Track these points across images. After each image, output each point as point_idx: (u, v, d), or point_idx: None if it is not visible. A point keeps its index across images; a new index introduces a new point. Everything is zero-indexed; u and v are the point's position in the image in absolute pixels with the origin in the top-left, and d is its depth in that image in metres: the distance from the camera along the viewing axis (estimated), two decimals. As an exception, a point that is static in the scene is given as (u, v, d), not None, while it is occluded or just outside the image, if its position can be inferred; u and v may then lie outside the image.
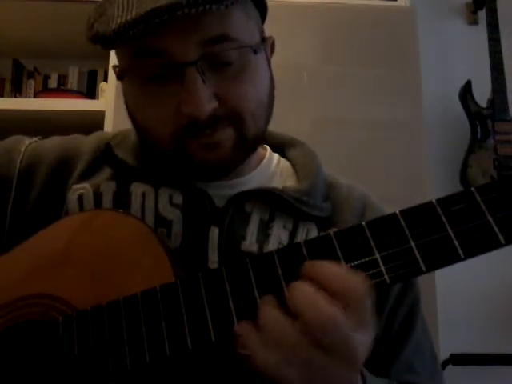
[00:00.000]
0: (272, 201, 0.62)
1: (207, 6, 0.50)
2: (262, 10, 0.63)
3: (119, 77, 0.58)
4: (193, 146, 0.57)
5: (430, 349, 0.69)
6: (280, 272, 0.43)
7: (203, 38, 0.53)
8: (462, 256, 0.41)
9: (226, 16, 0.54)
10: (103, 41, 0.53)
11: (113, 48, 0.56)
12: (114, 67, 0.61)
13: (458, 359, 1.83)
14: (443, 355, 1.80)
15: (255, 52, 0.57)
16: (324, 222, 0.64)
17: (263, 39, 0.62)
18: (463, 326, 1.92)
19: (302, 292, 0.41)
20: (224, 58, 0.55)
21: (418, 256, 0.41)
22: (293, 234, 0.62)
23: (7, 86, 1.90)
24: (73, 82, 1.90)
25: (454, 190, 1.86)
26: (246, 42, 0.56)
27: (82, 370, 0.45)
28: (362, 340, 0.41)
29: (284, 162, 0.71)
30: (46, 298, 0.50)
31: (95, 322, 0.46)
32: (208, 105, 0.54)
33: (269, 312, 0.41)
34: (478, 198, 0.42)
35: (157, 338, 0.43)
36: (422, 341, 0.68)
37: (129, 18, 0.50)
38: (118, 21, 0.51)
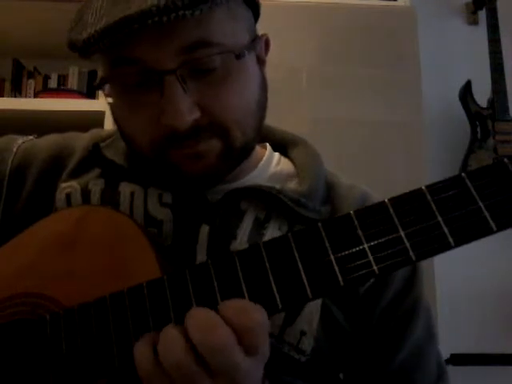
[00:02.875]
0: (269, 201, 0.60)
1: (180, 13, 0.46)
2: (255, 7, 0.59)
3: (98, 86, 0.55)
4: (176, 156, 0.54)
5: (436, 355, 0.66)
6: (268, 265, 0.42)
7: (181, 44, 0.50)
8: (453, 244, 0.39)
9: (205, 20, 0.50)
10: (77, 50, 0.51)
11: (88, 57, 0.52)
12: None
13: (458, 359, 1.83)
14: (443, 355, 1.80)
15: (238, 57, 0.53)
16: None
17: (254, 39, 0.58)
18: (463, 325, 1.92)
19: (197, 315, 0.40)
20: (205, 64, 0.52)
21: (407, 245, 0.40)
22: None
23: (7, 86, 1.90)
24: (73, 82, 1.89)
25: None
26: (230, 45, 0.53)
27: (70, 368, 0.45)
28: (251, 367, 0.41)
29: (285, 162, 0.68)
30: (34, 297, 0.50)
31: (83, 320, 0.46)
32: (189, 116, 0.51)
33: (167, 332, 0.40)
34: (469, 183, 0.40)
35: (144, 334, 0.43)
36: (425, 344, 0.64)
37: (98, 28, 0.48)
38: (89, 30, 0.49)
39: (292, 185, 0.64)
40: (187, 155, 0.54)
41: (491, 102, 1.96)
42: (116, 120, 0.59)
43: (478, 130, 1.96)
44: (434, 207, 0.41)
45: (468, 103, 1.99)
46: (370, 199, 0.67)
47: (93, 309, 0.46)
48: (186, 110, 0.51)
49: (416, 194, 0.42)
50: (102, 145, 0.65)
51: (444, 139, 2.05)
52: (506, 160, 0.41)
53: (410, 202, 0.41)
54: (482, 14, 2.11)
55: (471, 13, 2.20)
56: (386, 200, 0.42)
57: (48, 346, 0.46)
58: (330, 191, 0.66)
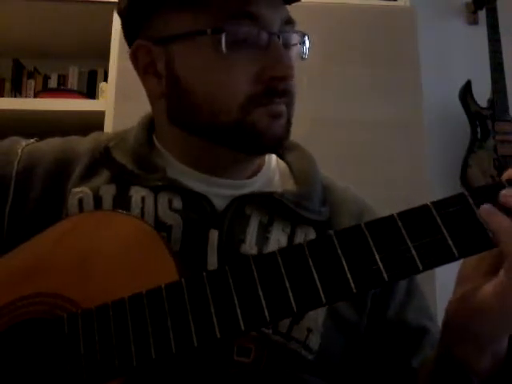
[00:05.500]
0: (271, 204, 0.62)
1: None
2: None
3: (214, 31, 0.57)
4: (259, 115, 0.58)
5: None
6: (283, 271, 0.44)
7: (284, 15, 0.60)
8: (457, 255, 0.42)
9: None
10: None
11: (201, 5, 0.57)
12: (160, 39, 0.61)
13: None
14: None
15: (305, 42, 0.64)
16: (322, 226, 0.64)
17: None
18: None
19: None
20: (289, 39, 0.62)
21: (414, 255, 0.43)
22: (291, 238, 0.62)
23: (7, 86, 1.90)
24: (73, 82, 1.89)
25: (454, 189, 1.86)
26: None
27: (88, 367, 0.46)
28: None
29: (281, 164, 0.71)
30: (51, 297, 0.51)
31: (101, 320, 0.47)
32: (293, 69, 0.58)
33: None
34: (471, 201, 0.44)
35: (162, 335, 0.44)
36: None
37: None
38: None
39: (290, 187, 0.66)
40: (271, 112, 0.59)
41: (491, 102, 1.95)
42: (191, 84, 0.60)
43: (478, 129, 1.96)
44: (440, 221, 0.43)
45: (468, 103, 1.99)
46: (365, 203, 0.71)
47: (111, 310, 0.47)
48: (292, 63, 0.59)
49: (422, 209, 0.44)
50: (110, 145, 0.66)
51: (444, 139, 2.05)
52: (505, 181, 0.45)
53: (417, 216, 0.44)
54: (482, 14, 2.11)
55: (471, 13, 2.20)
56: (395, 214, 0.45)
57: (66, 346, 0.47)
58: (326, 193, 0.69)
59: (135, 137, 0.66)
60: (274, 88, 0.58)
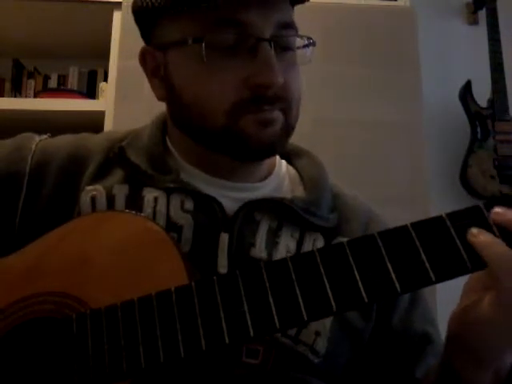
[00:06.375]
0: (280, 210, 0.63)
1: None
2: None
3: (194, 40, 0.57)
4: (248, 122, 0.57)
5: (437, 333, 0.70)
6: (294, 278, 0.44)
7: (279, 19, 0.58)
8: (470, 268, 0.42)
9: (289, 7, 0.61)
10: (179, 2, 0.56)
11: (180, 10, 0.57)
12: (155, 44, 0.62)
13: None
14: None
15: (309, 45, 0.63)
16: (330, 232, 0.64)
17: None
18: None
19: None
20: (288, 43, 0.60)
21: (428, 267, 0.42)
22: (300, 243, 0.63)
23: (7, 86, 1.90)
24: (73, 82, 1.89)
25: (454, 189, 1.85)
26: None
27: (96, 368, 0.46)
28: None
29: (291, 170, 0.72)
30: (59, 296, 0.51)
31: (110, 321, 0.47)
32: (281, 77, 0.56)
33: None
34: (486, 213, 0.43)
35: (171, 338, 0.44)
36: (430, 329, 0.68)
37: None
38: None
39: (299, 193, 0.67)
40: (260, 120, 0.58)
41: (491, 102, 1.95)
42: (180, 89, 0.60)
43: (478, 130, 1.95)
44: (454, 233, 0.43)
45: (468, 103, 1.99)
46: (373, 212, 0.71)
47: (120, 311, 0.47)
48: (279, 71, 0.56)
49: (436, 220, 0.44)
50: (123, 144, 0.66)
51: (444, 139, 2.05)
52: None
53: (430, 227, 0.44)
54: (482, 14, 2.11)
55: (471, 13, 2.20)
56: (408, 224, 0.44)
57: (74, 346, 0.47)
58: (335, 200, 0.69)
59: (149, 136, 0.67)
60: (262, 95, 0.57)
